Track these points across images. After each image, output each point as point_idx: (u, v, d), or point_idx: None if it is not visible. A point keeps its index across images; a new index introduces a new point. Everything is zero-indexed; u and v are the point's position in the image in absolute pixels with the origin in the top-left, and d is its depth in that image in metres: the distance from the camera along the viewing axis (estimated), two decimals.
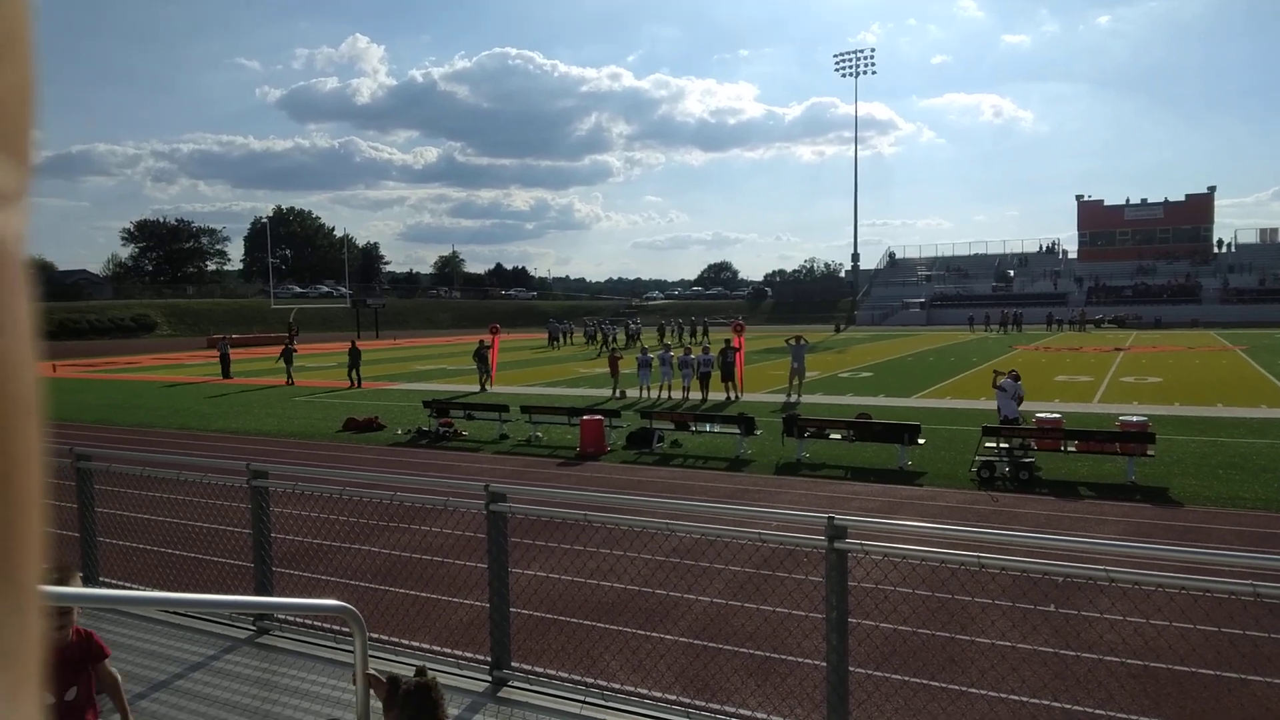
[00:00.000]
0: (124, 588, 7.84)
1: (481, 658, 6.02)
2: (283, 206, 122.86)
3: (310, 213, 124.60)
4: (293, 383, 30.97)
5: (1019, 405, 15.61)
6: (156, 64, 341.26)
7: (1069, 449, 13.96)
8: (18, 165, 0.33)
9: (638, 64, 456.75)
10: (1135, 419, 14.59)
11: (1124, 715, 5.68)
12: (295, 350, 32.49)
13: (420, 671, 3.23)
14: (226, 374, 33.90)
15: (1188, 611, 6.31)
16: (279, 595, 7.25)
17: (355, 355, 30.06)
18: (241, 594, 7.53)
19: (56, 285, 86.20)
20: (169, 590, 6.19)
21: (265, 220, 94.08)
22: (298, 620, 6.87)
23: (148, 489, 11.50)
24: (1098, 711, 5.74)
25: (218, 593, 7.76)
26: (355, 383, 29.42)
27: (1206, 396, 23.07)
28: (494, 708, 5.44)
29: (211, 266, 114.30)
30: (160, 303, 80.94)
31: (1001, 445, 13.68)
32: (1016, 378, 15.39)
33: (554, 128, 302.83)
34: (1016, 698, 5.89)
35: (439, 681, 3.14)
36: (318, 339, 66.81)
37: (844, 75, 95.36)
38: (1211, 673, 6.18)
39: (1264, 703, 5.77)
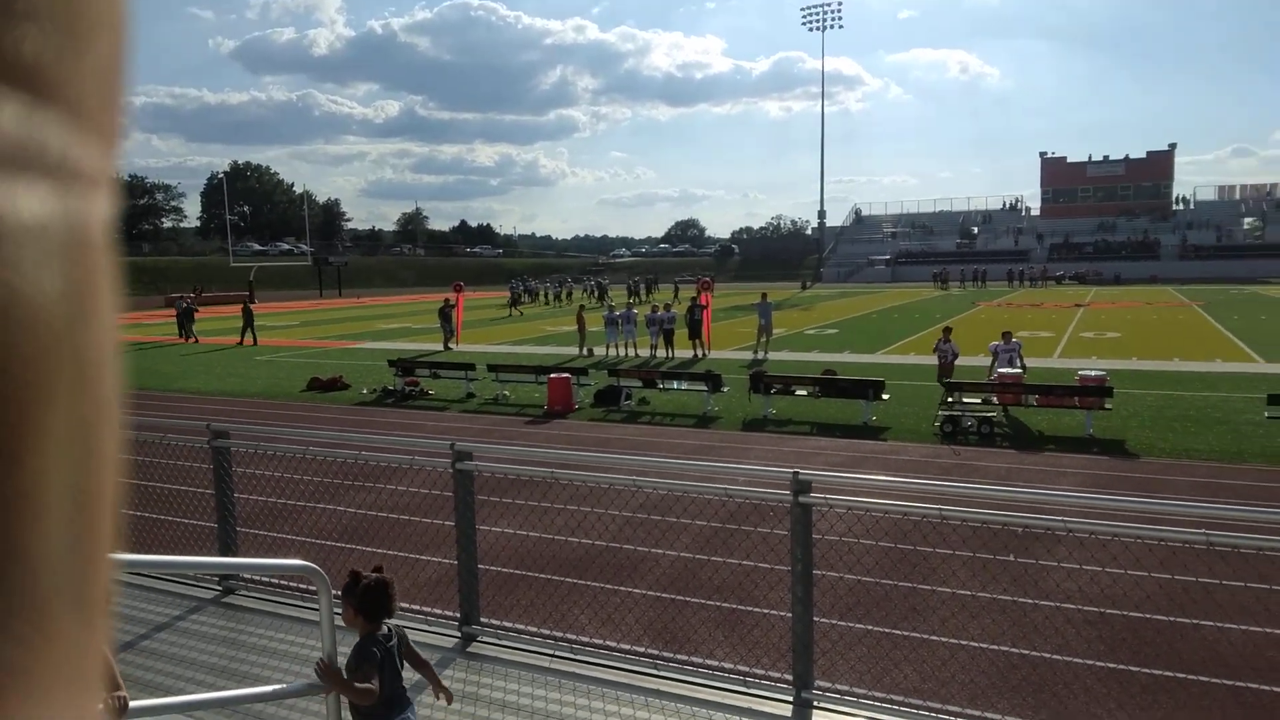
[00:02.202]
0: None
1: (450, 614, 6.04)
2: (239, 162, 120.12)
3: (268, 168, 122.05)
4: (195, 340, 31.67)
5: (955, 361, 16.14)
6: None
7: (1029, 403, 14.20)
8: (104, 147, 0.30)
9: (603, 16, 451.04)
10: (1094, 374, 14.85)
11: (1080, 660, 5.85)
12: (196, 310, 33.47)
13: (378, 569, 3.69)
14: (186, 334, 33.38)
15: (1143, 560, 6.47)
16: (244, 555, 7.20)
17: (248, 315, 30.82)
18: (206, 555, 7.46)
19: None
20: (133, 552, 6.10)
21: (222, 176, 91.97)
22: (263, 580, 6.84)
23: None
24: (1055, 657, 5.90)
25: (182, 553, 7.69)
26: (252, 340, 30.26)
27: (1163, 351, 23.55)
28: (464, 662, 5.47)
29: (167, 224, 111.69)
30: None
31: (964, 400, 13.88)
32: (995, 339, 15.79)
33: (518, 81, 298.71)
34: (976, 644, 6.04)
35: (393, 581, 3.65)
36: (279, 298, 65.85)
37: (811, 29, 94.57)
38: (1165, 619, 6.37)
39: (1214, 647, 5.97)
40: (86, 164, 0.29)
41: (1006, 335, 15.79)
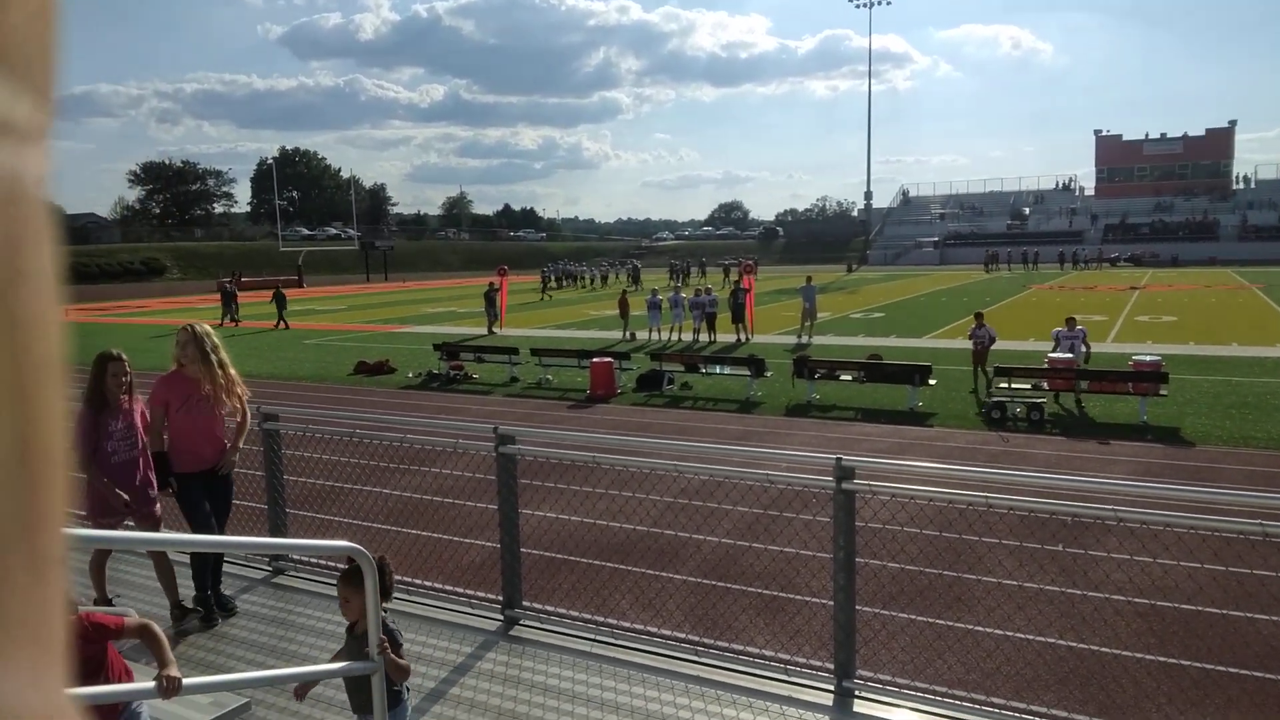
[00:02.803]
0: (135, 529, 7.94)
1: (493, 597, 6.11)
2: (288, 147, 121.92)
3: (316, 153, 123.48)
4: (237, 323, 32.89)
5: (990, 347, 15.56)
6: (157, 1, 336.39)
7: (1081, 389, 13.90)
8: (39, 99, 0.30)
9: None
10: (1149, 358, 14.48)
11: (1130, 653, 5.74)
12: (235, 294, 34.66)
13: (350, 560, 3.78)
14: (236, 317, 34.08)
15: (1196, 551, 6.32)
16: (292, 537, 7.35)
17: (280, 299, 31.98)
18: (256, 535, 7.63)
19: (65, 229, 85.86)
20: (184, 532, 6.26)
21: (271, 161, 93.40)
22: (312, 561, 6.97)
23: None
24: (1104, 649, 5.80)
25: (233, 534, 7.86)
26: (284, 325, 31.42)
27: (1221, 335, 22.90)
28: (506, 645, 5.53)
29: (219, 209, 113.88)
30: (169, 246, 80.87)
31: (1014, 385, 13.63)
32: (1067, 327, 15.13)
33: (561, 64, 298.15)
34: (1022, 636, 5.95)
35: (387, 560, 3.79)
36: (326, 282, 66.87)
37: (858, 6, 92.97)
38: (1218, 612, 6.22)
39: (1269, 641, 5.81)
40: (18, 118, 0.29)
41: (1070, 321, 15.21)
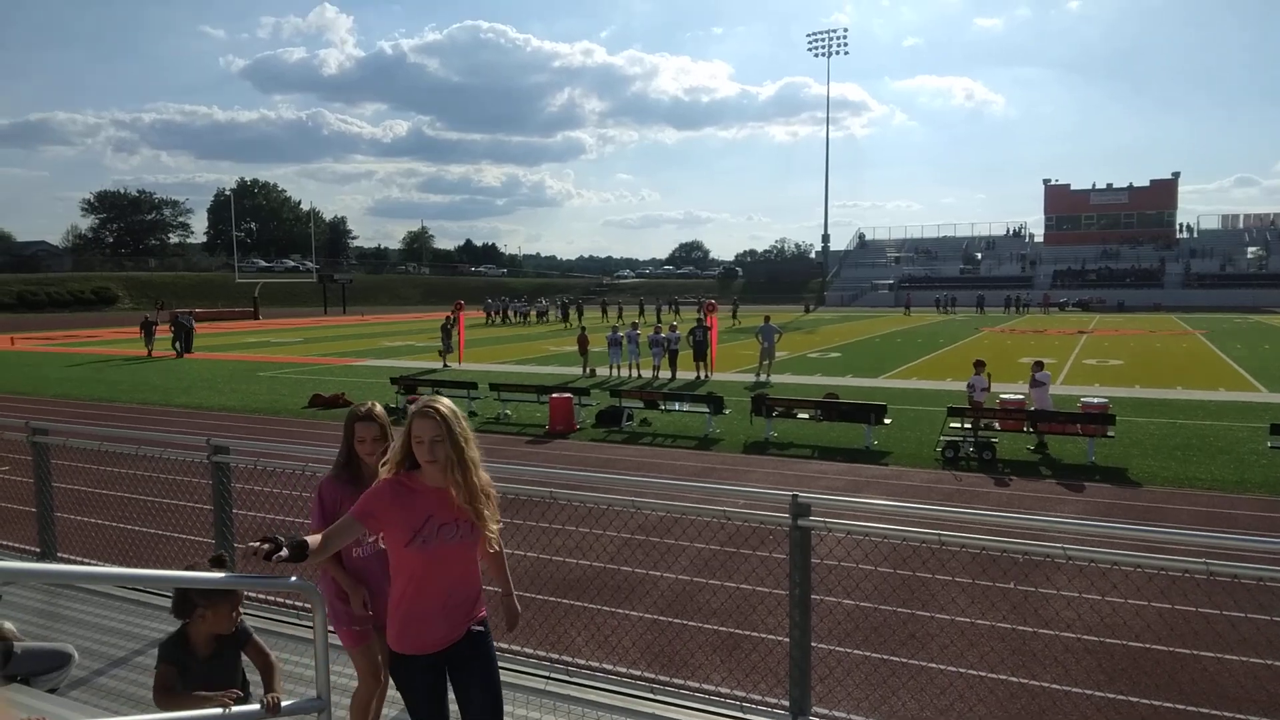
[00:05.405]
0: (83, 563, 7.72)
1: None
2: (247, 179, 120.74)
3: (276, 185, 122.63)
4: (150, 355, 32.90)
5: (987, 391, 15.36)
6: (117, 30, 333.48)
7: (1031, 430, 14.15)
8: None
9: (611, 40, 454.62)
10: (1096, 401, 14.80)
11: (1079, 690, 5.80)
12: (155, 325, 34.72)
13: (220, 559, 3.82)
14: (188, 349, 33.51)
15: (1143, 589, 6.43)
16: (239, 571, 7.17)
17: (179, 329, 33.36)
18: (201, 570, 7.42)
19: (15, 256, 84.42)
20: (129, 566, 6.08)
21: (229, 192, 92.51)
22: (259, 596, 6.81)
23: (107, 464, 11.32)
24: (1054, 686, 5.85)
25: (178, 569, 7.66)
26: (178, 353, 32.82)
27: (1166, 379, 23.50)
28: None
29: (174, 239, 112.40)
30: (121, 275, 79.42)
31: (965, 425, 13.84)
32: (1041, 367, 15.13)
33: (526, 103, 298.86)
34: (975, 673, 5.99)
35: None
36: (284, 314, 66.06)
37: (817, 55, 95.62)
38: (1165, 649, 6.32)
39: (1214, 678, 5.92)
40: None
41: (1038, 364, 15.13)
